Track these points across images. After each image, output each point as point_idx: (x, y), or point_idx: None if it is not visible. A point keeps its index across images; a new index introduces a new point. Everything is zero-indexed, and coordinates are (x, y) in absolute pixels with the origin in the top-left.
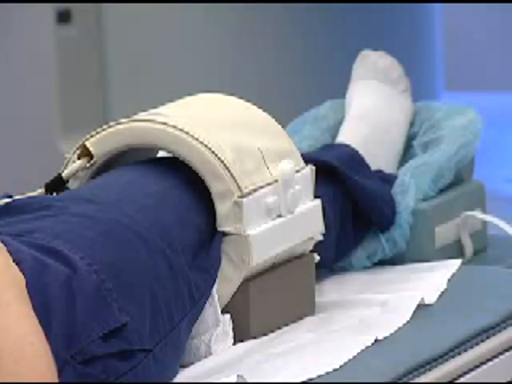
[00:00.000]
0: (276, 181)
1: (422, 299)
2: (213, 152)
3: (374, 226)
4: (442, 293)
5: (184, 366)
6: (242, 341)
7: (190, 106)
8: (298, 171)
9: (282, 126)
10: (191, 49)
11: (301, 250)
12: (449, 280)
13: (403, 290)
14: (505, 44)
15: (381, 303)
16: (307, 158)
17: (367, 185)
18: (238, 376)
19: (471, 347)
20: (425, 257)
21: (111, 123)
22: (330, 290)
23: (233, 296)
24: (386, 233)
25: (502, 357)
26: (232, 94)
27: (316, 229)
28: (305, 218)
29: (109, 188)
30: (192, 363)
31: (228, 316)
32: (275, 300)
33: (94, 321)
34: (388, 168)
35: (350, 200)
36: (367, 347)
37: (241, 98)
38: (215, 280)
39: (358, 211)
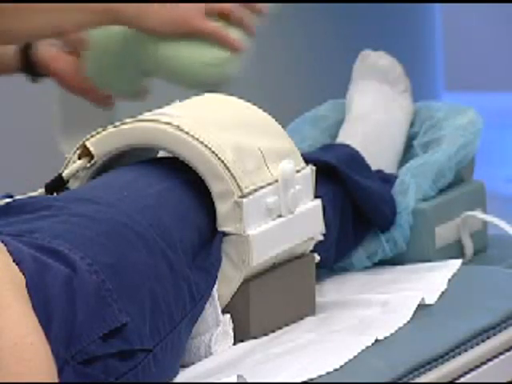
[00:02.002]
0: (276, 181)
1: (423, 299)
2: (213, 152)
3: (374, 226)
4: (443, 293)
5: (184, 366)
6: (242, 341)
7: (191, 106)
8: (298, 171)
9: (282, 126)
10: None
11: (301, 249)
12: (449, 280)
13: (403, 290)
14: (505, 44)
15: (381, 303)
16: (307, 158)
17: (367, 185)
18: (238, 376)
19: (471, 347)
20: (425, 257)
21: (112, 123)
22: (330, 290)
23: (233, 296)
24: (387, 233)
25: (502, 357)
26: (232, 94)
27: (316, 229)
28: (305, 218)
29: (109, 188)
30: (192, 363)
31: (228, 316)
32: (275, 300)
33: (94, 321)
34: (388, 168)
35: (350, 200)
36: (367, 347)
37: (241, 98)
38: (215, 280)
39: (358, 211)
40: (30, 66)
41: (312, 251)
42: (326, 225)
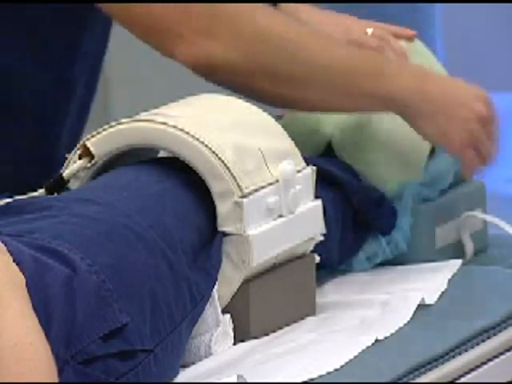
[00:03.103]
0: (277, 181)
1: (423, 299)
2: (213, 152)
3: (376, 230)
4: (443, 293)
5: (184, 366)
6: (242, 341)
7: (191, 106)
8: (298, 171)
9: None
10: None
11: (301, 250)
12: (449, 280)
13: (404, 290)
14: (505, 44)
15: (381, 303)
16: (307, 161)
17: (366, 188)
18: (238, 376)
19: (471, 347)
20: (425, 257)
21: (112, 123)
22: (330, 291)
23: (233, 296)
24: (387, 235)
25: (502, 357)
26: (232, 94)
27: (317, 229)
28: (305, 218)
29: (109, 188)
30: (192, 363)
31: (228, 316)
32: (276, 300)
33: (94, 321)
34: None
35: (350, 203)
36: (367, 347)
37: (241, 97)
38: (216, 280)
39: (357, 214)
40: None
41: (313, 251)
42: (327, 224)
